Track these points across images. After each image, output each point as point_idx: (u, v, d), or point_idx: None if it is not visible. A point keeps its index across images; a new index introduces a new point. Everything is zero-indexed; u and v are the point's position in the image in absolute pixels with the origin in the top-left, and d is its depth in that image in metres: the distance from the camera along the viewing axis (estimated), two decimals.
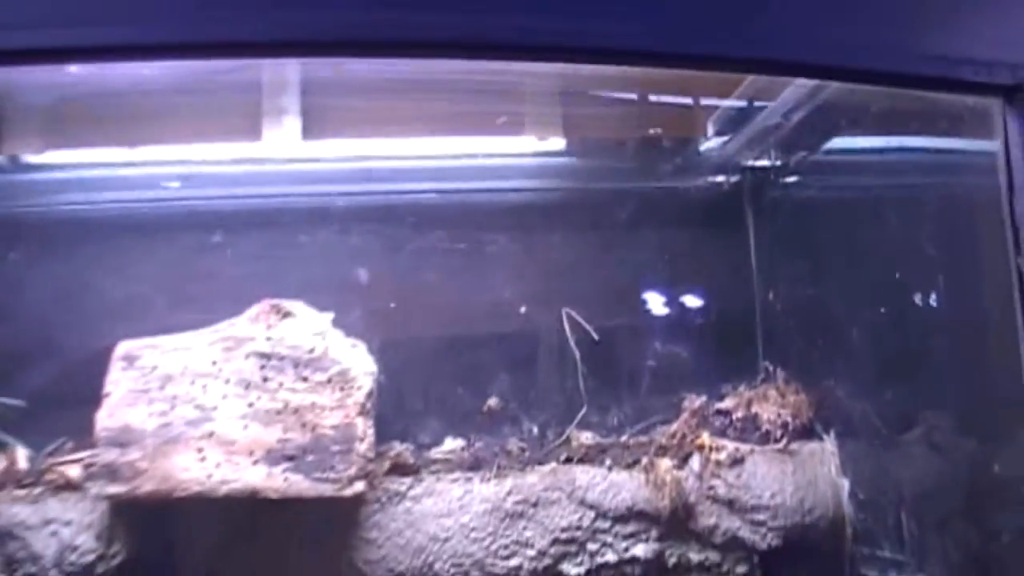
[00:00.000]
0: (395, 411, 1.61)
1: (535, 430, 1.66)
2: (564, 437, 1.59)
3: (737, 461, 1.48)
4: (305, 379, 1.51)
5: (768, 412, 1.54)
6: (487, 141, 1.58)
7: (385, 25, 1.05)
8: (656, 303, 1.76)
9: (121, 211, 1.73)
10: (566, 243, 1.76)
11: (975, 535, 1.25)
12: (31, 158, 1.65)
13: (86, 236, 1.67)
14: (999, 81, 1.24)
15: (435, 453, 1.64)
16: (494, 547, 1.46)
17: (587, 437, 1.61)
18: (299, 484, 1.47)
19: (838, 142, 1.65)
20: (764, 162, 1.84)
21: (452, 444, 1.67)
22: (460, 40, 1.07)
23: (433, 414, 1.65)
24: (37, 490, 1.50)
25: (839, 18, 1.28)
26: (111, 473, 1.43)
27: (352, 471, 1.48)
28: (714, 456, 1.48)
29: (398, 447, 1.59)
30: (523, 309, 1.72)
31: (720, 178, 1.81)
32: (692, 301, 1.77)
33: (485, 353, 1.68)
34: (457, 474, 1.54)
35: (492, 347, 1.68)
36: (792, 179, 1.80)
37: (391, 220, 1.71)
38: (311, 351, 1.50)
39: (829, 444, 1.54)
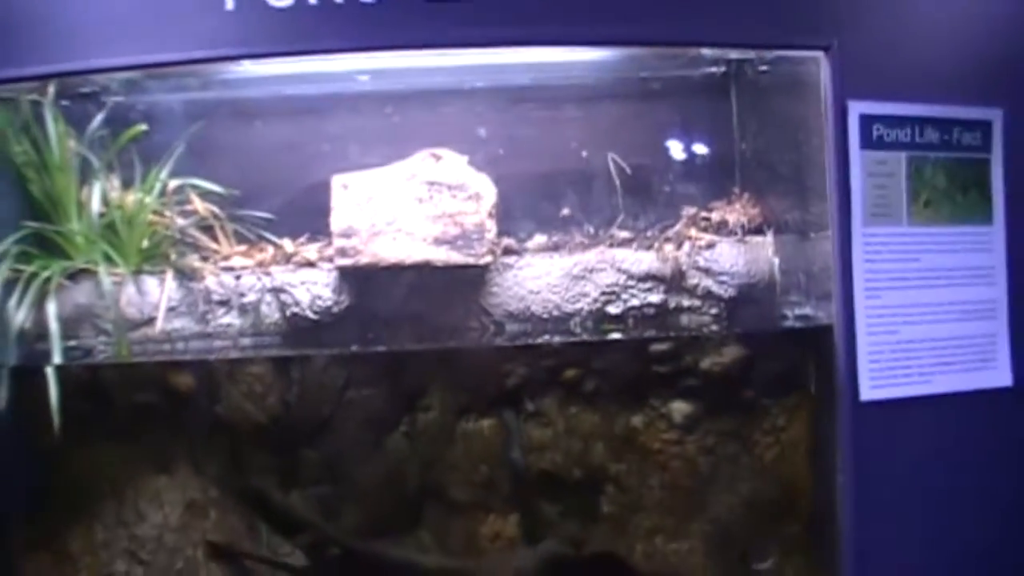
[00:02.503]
0: (506, 218, 2.37)
1: (591, 229, 2.46)
2: (609, 233, 2.41)
3: (711, 246, 2.27)
4: (454, 196, 2.35)
5: (733, 218, 2.43)
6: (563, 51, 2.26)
7: None
8: (671, 151, 2.63)
9: (331, 95, 2.47)
10: (613, 113, 2.55)
11: None
12: None
13: (309, 113, 2.51)
14: None
15: (529, 244, 2.57)
16: (566, 296, 2.25)
17: (624, 233, 2.42)
18: (453, 256, 2.34)
19: None
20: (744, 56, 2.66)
21: (540, 239, 2.59)
22: None
23: (528, 219, 2.47)
24: (292, 265, 2.35)
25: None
26: (341, 253, 2.27)
27: (484, 250, 2.19)
28: (698, 243, 2.38)
29: (508, 239, 2.54)
30: (584, 154, 2.54)
31: (714, 68, 2.49)
32: (694, 150, 2.64)
33: (561, 180, 2.49)
34: (544, 254, 2.34)
35: (565, 176, 2.49)
36: (762, 68, 2.64)
37: (501, 97, 2.50)
38: (456, 179, 2.37)
39: (769, 238, 2.31)
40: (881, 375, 1.82)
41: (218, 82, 2.39)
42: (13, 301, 2.02)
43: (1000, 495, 1.92)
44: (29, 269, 2.09)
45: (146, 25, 1.80)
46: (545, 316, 2.28)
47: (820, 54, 1.84)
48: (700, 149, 2.51)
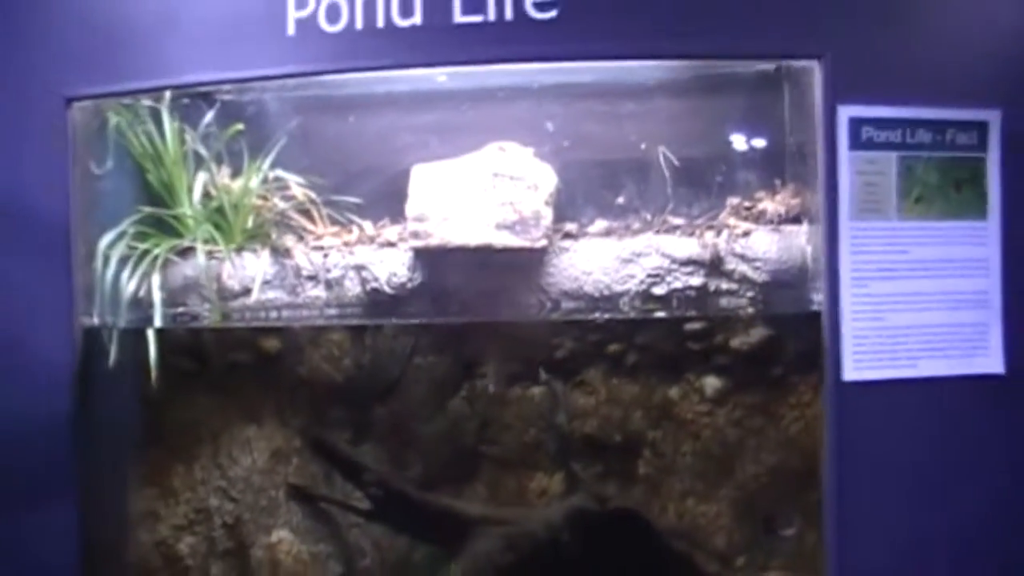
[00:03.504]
0: (570, 205, 2.61)
1: (648, 216, 2.62)
2: (661, 220, 2.62)
3: (747, 234, 2.48)
4: (515, 185, 2.59)
5: (772, 208, 2.61)
6: None
7: None
8: (723, 144, 2.79)
9: (415, 93, 2.69)
10: (670, 109, 2.69)
11: None
12: None
13: (396, 108, 2.73)
14: None
15: (590, 228, 2.80)
16: (616, 277, 2.43)
17: (673, 220, 2.69)
18: (512, 240, 2.56)
19: None
20: None
21: (600, 224, 2.81)
22: None
23: (590, 206, 2.65)
24: (375, 245, 2.63)
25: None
26: (414, 235, 2.56)
27: (539, 234, 2.40)
28: (736, 231, 2.58)
29: (569, 225, 2.77)
30: (643, 146, 2.75)
31: (768, 65, 2.80)
32: (745, 143, 2.81)
33: (619, 170, 2.66)
34: (599, 239, 2.55)
35: (623, 167, 2.66)
36: None
37: (566, 94, 2.68)
38: (517, 170, 2.55)
39: (804, 227, 2.41)
40: (865, 358, 1.98)
41: (315, 82, 2.69)
42: (125, 274, 2.37)
43: (991, 479, 2.04)
44: (142, 247, 2.45)
45: (230, 44, 2.14)
46: (596, 295, 2.50)
47: (814, 63, 2.01)
48: (751, 142, 2.68)
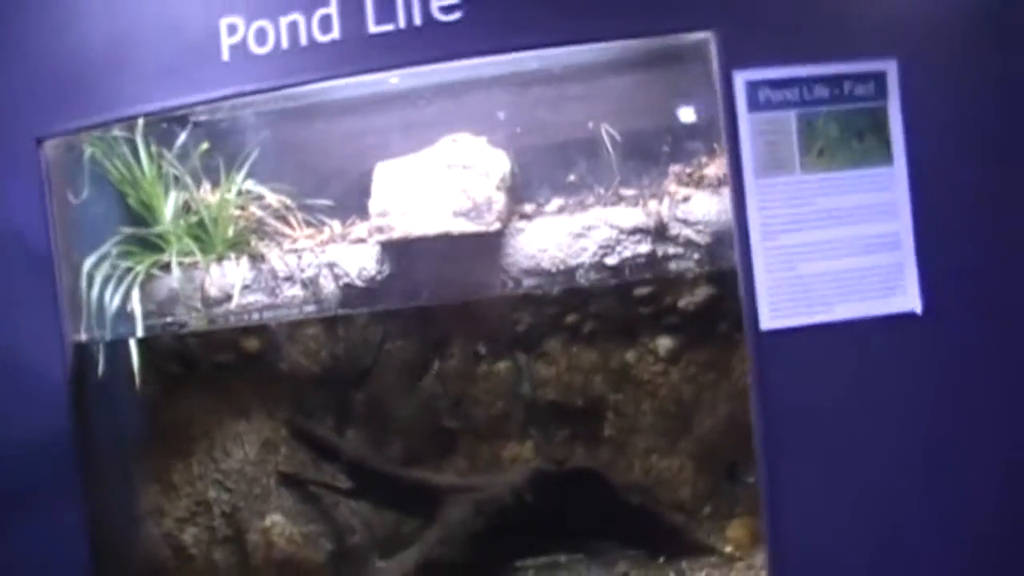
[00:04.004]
0: (525, 186, 2.75)
1: (601, 191, 2.73)
2: (609, 193, 2.78)
3: (687, 199, 2.63)
4: (467, 174, 2.76)
5: (711, 172, 2.73)
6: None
7: None
8: (660, 116, 2.90)
9: (373, 95, 2.81)
10: (614, 86, 2.79)
11: None
12: None
13: (357, 111, 2.90)
14: None
15: (546, 208, 2.94)
16: (570, 251, 2.53)
17: (624, 191, 2.83)
18: (467, 226, 2.69)
19: None
20: None
21: (556, 202, 2.95)
22: None
23: (545, 186, 2.77)
24: (346, 243, 2.86)
25: None
26: (379, 230, 2.76)
27: (492, 218, 2.61)
28: (677, 197, 2.70)
29: (526, 206, 2.91)
30: (590, 125, 2.90)
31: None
32: (683, 114, 2.91)
33: (569, 150, 2.77)
34: (552, 217, 2.70)
35: (572, 147, 2.78)
36: None
37: (518, 83, 2.78)
38: (468, 160, 2.74)
39: None
40: (781, 307, 2.10)
41: (278, 96, 2.86)
42: (109, 291, 2.58)
43: (914, 415, 2.12)
44: (125, 264, 2.65)
45: (174, 73, 2.33)
46: (553, 271, 2.64)
47: (709, 34, 2.12)
48: (688, 111, 2.80)
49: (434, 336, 2.68)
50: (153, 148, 2.80)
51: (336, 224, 2.87)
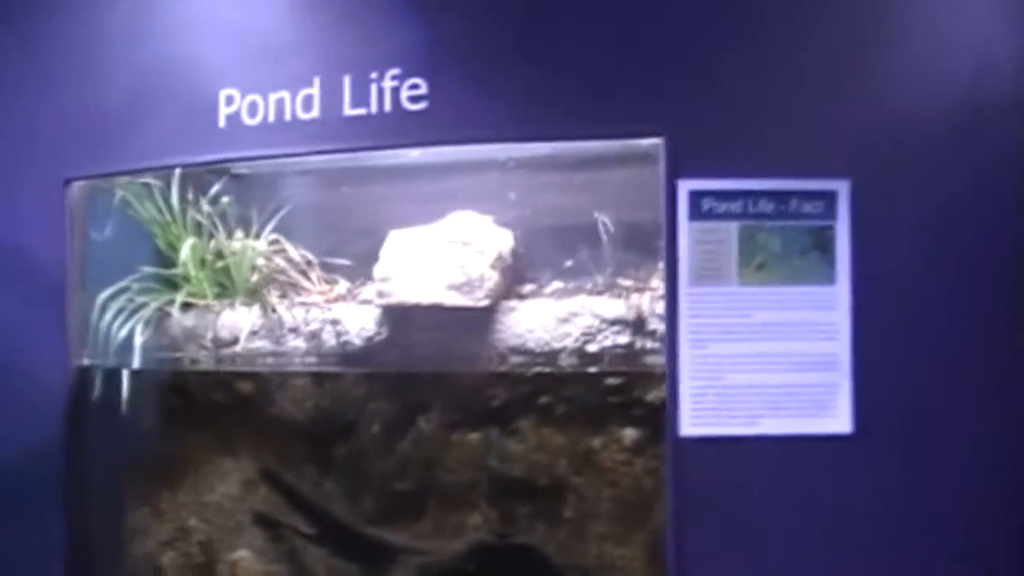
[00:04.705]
0: (528, 267, 2.87)
1: (598, 278, 2.81)
2: (602, 282, 2.85)
3: None
4: (465, 250, 2.90)
5: None
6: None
7: None
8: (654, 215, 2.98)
9: (392, 166, 2.95)
10: (618, 177, 2.98)
11: None
12: None
13: (377, 181, 3.16)
14: None
15: (546, 290, 3.04)
16: (555, 334, 2.63)
17: (613, 280, 2.88)
18: (459, 299, 2.80)
19: None
20: None
21: (556, 284, 3.05)
22: None
23: (548, 268, 2.88)
24: (353, 302, 3.06)
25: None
26: (380, 294, 2.90)
27: (483, 295, 2.71)
28: (659, 293, 2.74)
29: (527, 286, 3.01)
30: (593, 214, 3.02)
31: None
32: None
33: (571, 236, 2.83)
34: (543, 299, 2.80)
35: (574, 233, 2.82)
36: None
37: (528, 167, 2.89)
38: (468, 236, 2.87)
39: None
40: (703, 415, 2.15)
41: (313, 159, 3.06)
42: (118, 322, 2.79)
43: (840, 536, 2.15)
44: (139, 300, 2.86)
45: (182, 133, 2.59)
46: (538, 351, 2.74)
47: (659, 140, 2.20)
48: None
49: (416, 401, 2.79)
50: (190, 194, 3.02)
51: (343, 284, 3.02)
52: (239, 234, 3.11)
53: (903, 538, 2.14)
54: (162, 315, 2.91)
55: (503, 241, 2.83)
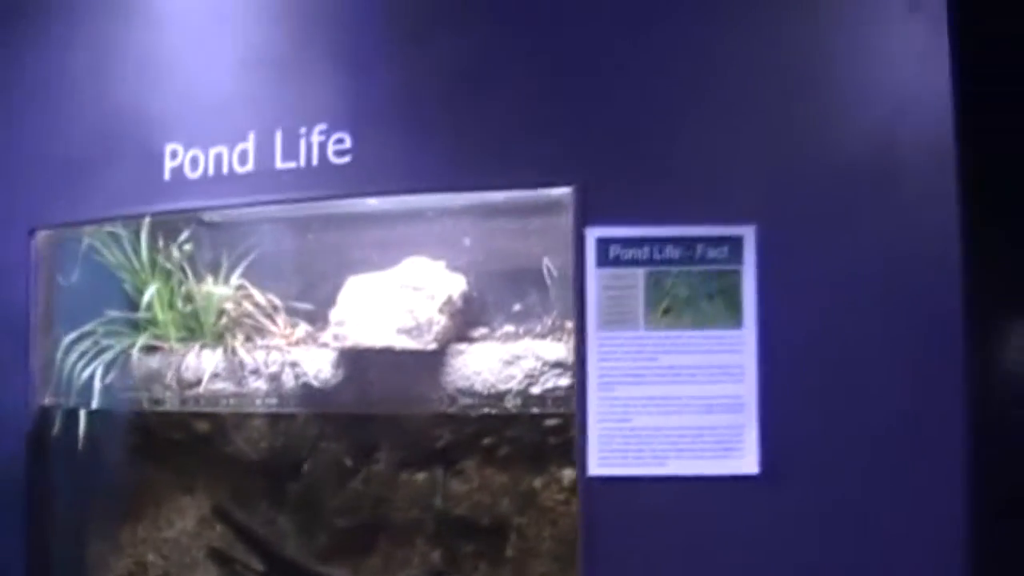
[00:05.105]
0: (481, 311, 3.00)
1: (547, 321, 2.89)
2: (541, 327, 2.98)
3: None
4: (415, 295, 3.00)
5: None
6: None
7: None
8: None
9: (354, 213, 3.05)
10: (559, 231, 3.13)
11: None
12: None
13: (339, 228, 3.35)
14: None
15: (497, 333, 3.13)
16: (501, 376, 2.72)
17: (560, 324, 2.98)
18: (408, 343, 2.92)
19: None
20: None
21: (507, 328, 3.14)
22: None
23: (500, 312, 2.96)
24: (313, 345, 3.25)
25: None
26: (335, 337, 3.02)
27: (431, 338, 2.86)
28: None
29: (479, 330, 3.11)
30: (543, 259, 3.12)
31: None
32: None
33: (521, 281, 2.90)
34: (490, 342, 2.91)
35: (523, 278, 2.89)
36: None
37: (480, 213, 2.99)
38: (419, 281, 2.98)
39: None
40: (610, 456, 2.22)
41: (278, 209, 3.17)
42: (80, 364, 2.91)
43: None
44: (106, 342, 2.98)
45: (132, 185, 2.73)
46: (485, 393, 2.82)
47: (569, 190, 2.29)
48: None
49: (365, 441, 2.88)
50: (160, 241, 3.14)
51: (302, 328, 3.12)
52: (209, 279, 3.23)
53: None
54: (127, 357, 3.02)
55: (454, 286, 2.93)
